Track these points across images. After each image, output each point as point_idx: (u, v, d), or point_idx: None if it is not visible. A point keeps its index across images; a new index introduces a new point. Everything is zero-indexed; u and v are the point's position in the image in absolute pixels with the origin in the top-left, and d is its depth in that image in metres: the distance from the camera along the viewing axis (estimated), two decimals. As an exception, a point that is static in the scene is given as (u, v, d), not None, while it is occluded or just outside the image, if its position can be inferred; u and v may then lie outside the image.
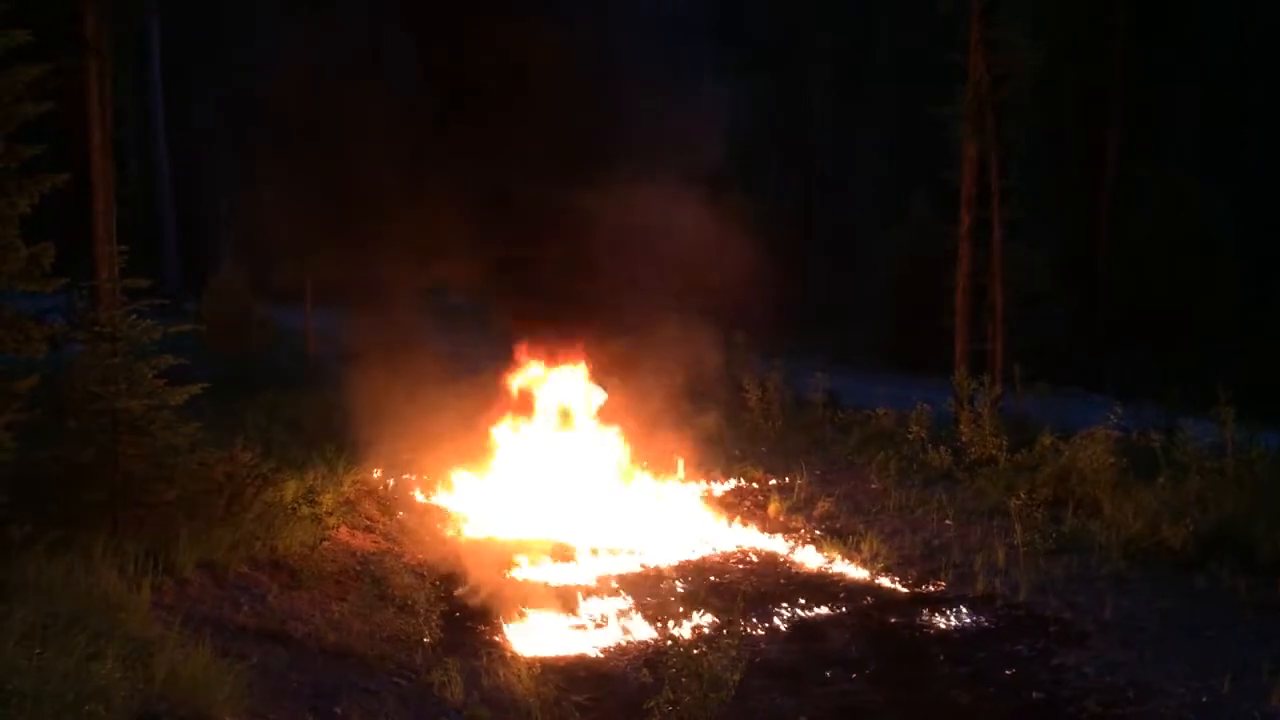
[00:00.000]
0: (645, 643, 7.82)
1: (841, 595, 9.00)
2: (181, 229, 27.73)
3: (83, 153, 12.26)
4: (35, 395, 7.20)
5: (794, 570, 9.80)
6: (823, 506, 11.45)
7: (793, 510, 11.46)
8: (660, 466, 12.47)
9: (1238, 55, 23.61)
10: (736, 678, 6.41)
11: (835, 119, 30.61)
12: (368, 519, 10.33)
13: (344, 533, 9.61)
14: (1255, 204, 21.17)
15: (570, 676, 7.20)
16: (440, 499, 11.63)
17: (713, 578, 9.42)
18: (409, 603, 7.89)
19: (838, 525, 10.97)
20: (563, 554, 9.93)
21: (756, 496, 12.10)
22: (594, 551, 10.06)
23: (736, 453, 13.54)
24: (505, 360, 12.75)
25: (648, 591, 8.95)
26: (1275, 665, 6.89)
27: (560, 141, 11.22)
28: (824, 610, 8.59)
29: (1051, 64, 19.08)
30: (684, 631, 7.86)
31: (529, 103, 11.25)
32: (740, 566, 9.87)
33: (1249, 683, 6.86)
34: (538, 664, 7.25)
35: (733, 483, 12.63)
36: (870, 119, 29.37)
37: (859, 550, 10.02)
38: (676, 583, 9.23)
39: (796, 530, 10.94)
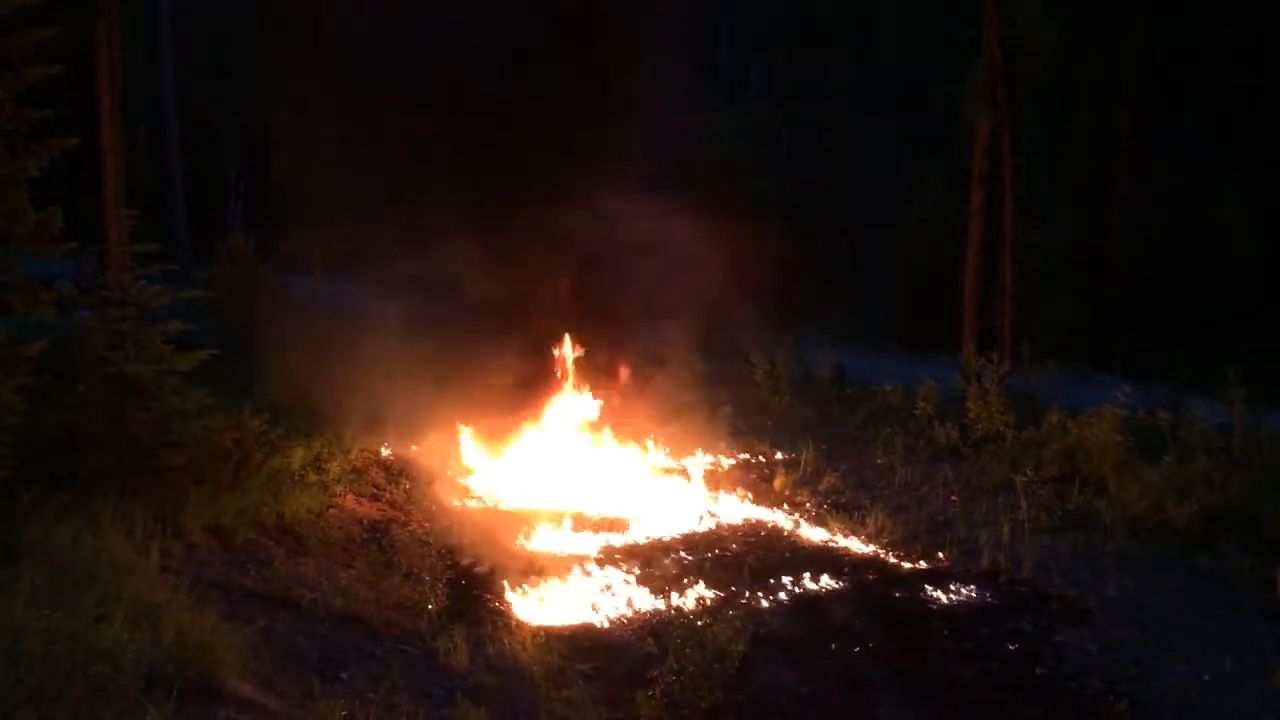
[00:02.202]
0: (650, 613, 7.84)
1: (846, 569, 9.01)
2: (190, 196, 27.63)
3: (91, 117, 12.17)
4: (44, 359, 7.23)
5: (799, 544, 9.82)
6: (828, 481, 11.46)
7: (799, 485, 11.47)
8: (667, 439, 12.47)
9: (1255, 38, 23.36)
10: (740, 649, 6.46)
11: (845, 97, 30.40)
12: (374, 487, 10.35)
13: (351, 500, 9.64)
14: (1269, 186, 21.02)
15: (574, 645, 7.22)
16: (447, 469, 11.65)
17: (718, 550, 9.44)
18: (415, 570, 7.92)
19: (843, 500, 10.98)
20: (568, 525, 9.94)
21: (763, 470, 12.11)
22: (599, 523, 10.09)
23: (743, 427, 13.53)
24: (514, 336, 12.73)
25: (653, 563, 8.97)
26: (1278, 644, 6.89)
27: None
28: (828, 584, 8.61)
29: (1066, 44, 18.96)
30: (689, 603, 7.93)
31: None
32: (746, 540, 9.88)
33: (1252, 662, 6.88)
34: (542, 633, 7.30)
35: (739, 457, 12.63)
36: (881, 97, 29.16)
37: (864, 525, 10.03)
38: (682, 555, 9.25)
39: (802, 505, 10.95)
